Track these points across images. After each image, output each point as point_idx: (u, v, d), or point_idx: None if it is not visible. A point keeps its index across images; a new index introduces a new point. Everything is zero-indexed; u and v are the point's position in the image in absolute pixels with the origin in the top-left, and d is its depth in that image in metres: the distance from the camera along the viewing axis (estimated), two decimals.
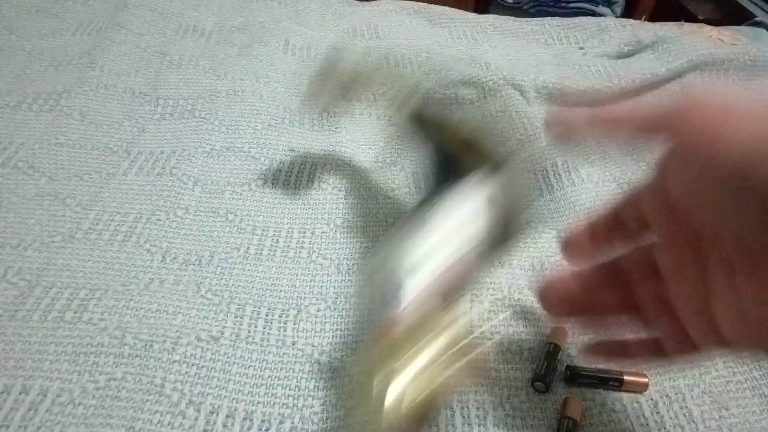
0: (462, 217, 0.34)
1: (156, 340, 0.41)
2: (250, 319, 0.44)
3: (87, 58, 0.72)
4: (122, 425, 0.36)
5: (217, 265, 0.48)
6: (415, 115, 0.46)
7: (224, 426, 0.37)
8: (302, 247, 0.51)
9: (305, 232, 0.53)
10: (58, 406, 0.37)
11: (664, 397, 0.40)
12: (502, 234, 0.35)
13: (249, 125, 0.64)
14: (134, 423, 0.36)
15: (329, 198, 0.57)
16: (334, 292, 0.47)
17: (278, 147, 0.61)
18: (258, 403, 0.39)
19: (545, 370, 0.41)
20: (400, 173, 0.57)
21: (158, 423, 0.37)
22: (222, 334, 0.43)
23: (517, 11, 1.55)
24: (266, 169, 0.58)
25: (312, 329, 0.44)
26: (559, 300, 0.32)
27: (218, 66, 0.74)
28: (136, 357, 0.40)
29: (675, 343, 0.28)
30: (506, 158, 0.37)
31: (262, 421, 0.38)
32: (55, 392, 0.38)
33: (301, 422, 0.38)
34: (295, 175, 0.57)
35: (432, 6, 0.94)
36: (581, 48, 0.86)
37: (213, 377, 0.40)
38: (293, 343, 0.43)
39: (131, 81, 0.70)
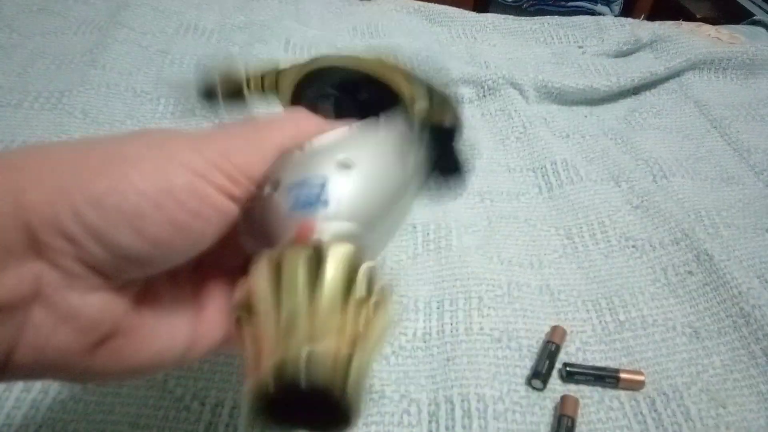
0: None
1: None
2: None
3: (89, 56, 0.72)
4: (126, 422, 0.36)
5: None
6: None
7: (230, 417, 0.38)
8: None
9: None
10: (59, 403, 0.37)
11: (662, 395, 0.41)
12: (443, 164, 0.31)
13: None
14: (138, 419, 0.37)
15: None
16: None
17: None
18: None
19: (546, 369, 0.41)
20: None
21: (163, 418, 0.37)
22: None
23: (516, 10, 1.55)
24: None
25: None
26: None
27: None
28: None
29: None
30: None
31: None
32: (56, 389, 0.38)
33: None
34: None
35: (431, 5, 0.95)
36: (580, 47, 0.87)
37: (216, 371, 0.40)
38: None
39: (133, 80, 0.70)
